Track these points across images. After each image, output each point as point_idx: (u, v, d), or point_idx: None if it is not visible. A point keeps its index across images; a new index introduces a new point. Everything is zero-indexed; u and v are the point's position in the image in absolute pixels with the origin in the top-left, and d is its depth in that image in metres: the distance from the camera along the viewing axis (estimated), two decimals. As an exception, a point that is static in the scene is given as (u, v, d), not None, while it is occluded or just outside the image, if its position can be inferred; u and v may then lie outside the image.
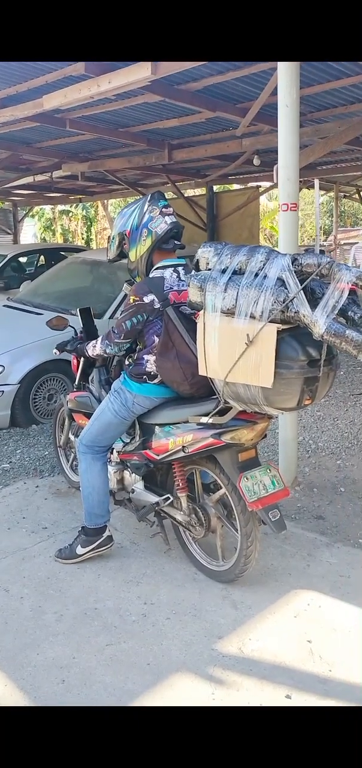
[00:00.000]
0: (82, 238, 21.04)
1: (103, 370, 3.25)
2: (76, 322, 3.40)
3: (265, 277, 2.12)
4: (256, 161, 7.24)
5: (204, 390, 2.52)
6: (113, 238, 2.78)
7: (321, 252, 2.23)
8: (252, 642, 2.37)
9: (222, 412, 2.46)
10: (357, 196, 14.02)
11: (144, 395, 2.74)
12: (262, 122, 5.44)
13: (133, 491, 2.96)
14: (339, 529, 3.23)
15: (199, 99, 4.96)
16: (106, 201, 18.10)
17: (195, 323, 2.41)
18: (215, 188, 11.15)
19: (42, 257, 9.80)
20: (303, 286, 2.04)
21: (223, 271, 2.26)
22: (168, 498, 2.78)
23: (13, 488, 3.78)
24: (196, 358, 2.41)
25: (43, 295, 6.03)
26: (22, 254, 9.64)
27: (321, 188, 12.91)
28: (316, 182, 11.16)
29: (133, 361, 2.77)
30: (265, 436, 2.57)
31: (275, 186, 11.18)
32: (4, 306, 5.85)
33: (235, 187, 12.56)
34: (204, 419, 2.51)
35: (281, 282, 2.08)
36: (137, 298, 2.63)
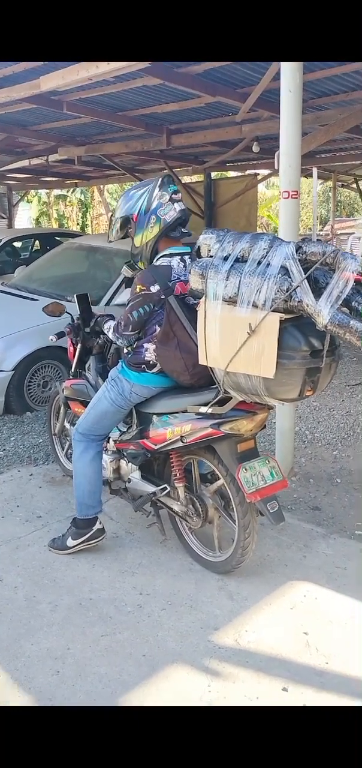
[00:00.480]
0: (78, 224, 20.87)
1: (100, 357, 3.20)
2: (73, 308, 3.35)
3: (268, 265, 2.08)
4: (256, 148, 7.16)
5: (204, 380, 2.48)
6: (117, 220, 2.68)
7: (319, 241, 2.19)
8: (248, 633, 2.36)
9: (221, 402, 2.43)
10: (354, 185, 13.96)
11: (142, 384, 2.69)
12: (262, 108, 5.37)
13: (129, 481, 2.93)
14: (336, 521, 3.22)
15: (199, 83, 4.88)
16: (102, 186, 17.92)
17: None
18: (213, 175, 11.04)
19: (37, 242, 9.70)
20: (307, 274, 1.99)
21: (225, 259, 2.21)
22: (165, 488, 2.75)
23: (7, 476, 3.74)
24: (198, 348, 2.37)
25: (38, 280, 5.95)
26: (16, 239, 9.53)
27: (319, 177, 12.85)
28: (314, 171, 11.10)
29: (132, 349, 2.72)
30: (264, 426, 2.54)
31: (273, 174, 11.14)
32: (-2, 291, 5.78)
33: (232, 174, 12.47)
34: (203, 409, 2.48)
35: (284, 270, 2.04)
36: (144, 288, 2.55)
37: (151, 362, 2.67)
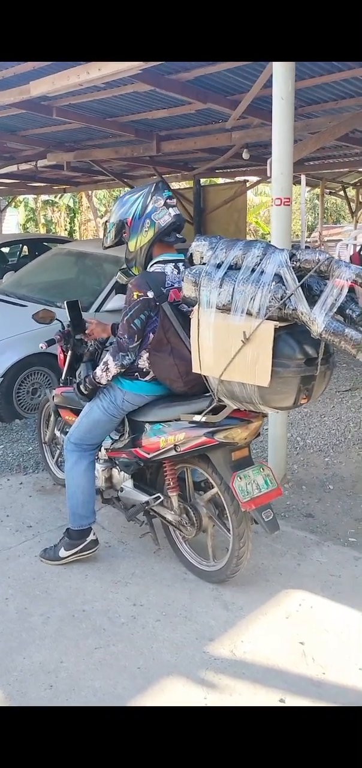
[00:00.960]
0: (65, 229, 20.80)
1: (91, 364, 3.17)
2: (63, 315, 3.31)
3: (262, 272, 2.07)
4: (246, 155, 7.19)
5: (198, 388, 2.46)
6: (112, 225, 2.65)
7: (312, 249, 2.19)
8: (244, 644, 2.33)
9: (215, 411, 2.41)
10: (342, 192, 14.08)
11: (135, 392, 2.67)
12: (253, 115, 5.39)
13: (121, 490, 2.90)
14: (329, 528, 3.22)
15: (190, 90, 4.88)
16: (90, 192, 17.89)
17: None
18: (201, 182, 11.07)
19: (25, 248, 9.63)
20: (301, 282, 1.99)
21: (218, 266, 2.20)
22: (158, 497, 2.72)
23: (-3, 485, 3.69)
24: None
25: (27, 286, 5.90)
26: (4, 244, 9.46)
27: (307, 185, 12.93)
28: (303, 178, 11.16)
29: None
30: (259, 434, 2.52)
31: (262, 181, 11.19)
32: (-14, 297, 5.71)
33: (221, 180, 12.51)
34: (197, 417, 2.46)
35: (278, 278, 2.03)
36: (141, 294, 2.51)
37: (143, 370, 2.64)
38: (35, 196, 17.93)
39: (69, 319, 3.20)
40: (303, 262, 2.02)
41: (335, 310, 1.93)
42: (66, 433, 3.34)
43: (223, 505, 2.56)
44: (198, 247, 2.31)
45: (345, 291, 1.95)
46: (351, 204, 14.70)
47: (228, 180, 11.61)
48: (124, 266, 2.74)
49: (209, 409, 2.41)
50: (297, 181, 11.53)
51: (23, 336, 4.67)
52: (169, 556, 2.87)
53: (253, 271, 2.10)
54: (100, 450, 2.92)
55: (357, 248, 12.97)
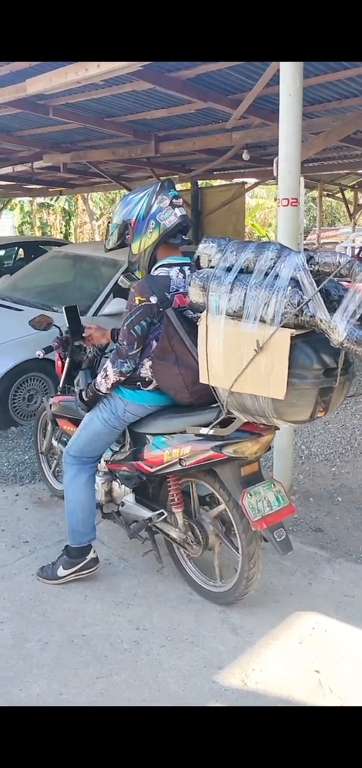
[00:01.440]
0: (61, 232, 20.65)
1: (90, 372, 3.02)
2: (60, 319, 3.16)
3: (277, 276, 1.93)
4: (246, 156, 7.07)
5: (204, 399, 2.31)
6: (114, 226, 2.50)
7: (305, 251, 2.08)
8: (255, 673, 2.19)
9: (223, 423, 2.26)
10: (340, 194, 14.00)
11: (137, 403, 2.52)
12: (254, 115, 5.26)
13: (122, 504, 2.75)
14: (340, 543, 3.08)
15: (190, 88, 4.75)
16: (86, 195, 17.75)
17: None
18: (199, 184, 10.94)
19: (21, 250, 9.48)
20: (320, 287, 1.85)
21: (228, 270, 2.06)
22: (161, 513, 2.58)
23: (-9, 497, 3.53)
24: (198, 365, 2.20)
25: (23, 290, 5.75)
26: (-1, 247, 9.31)
27: (305, 186, 12.84)
28: (301, 180, 11.04)
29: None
30: (270, 448, 2.38)
31: (261, 182, 11.06)
32: (-19, 301, 5.56)
33: (218, 182, 12.39)
34: (203, 430, 2.31)
35: (295, 282, 1.89)
36: (143, 299, 2.36)
37: (146, 379, 2.50)
38: (31, 198, 17.75)
39: (67, 325, 3.05)
40: (321, 266, 1.88)
41: (357, 317, 1.79)
42: (64, 442, 3.19)
43: (231, 522, 2.41)
44: (206, 250, 2.17)
45: (367, 297, 1.81)
46: (349, 206, 14.63)
47: (225, 182, 11.48)
48: (128, 271, 2.59)
49: (217, 421, 2.27)
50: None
51: (19, 341, 4.52)
52: (173, 575, 2.72)
53: (267, 274, 1.96)
54: (99, 462, 2.78)
55: (356, 251, 12.89)
